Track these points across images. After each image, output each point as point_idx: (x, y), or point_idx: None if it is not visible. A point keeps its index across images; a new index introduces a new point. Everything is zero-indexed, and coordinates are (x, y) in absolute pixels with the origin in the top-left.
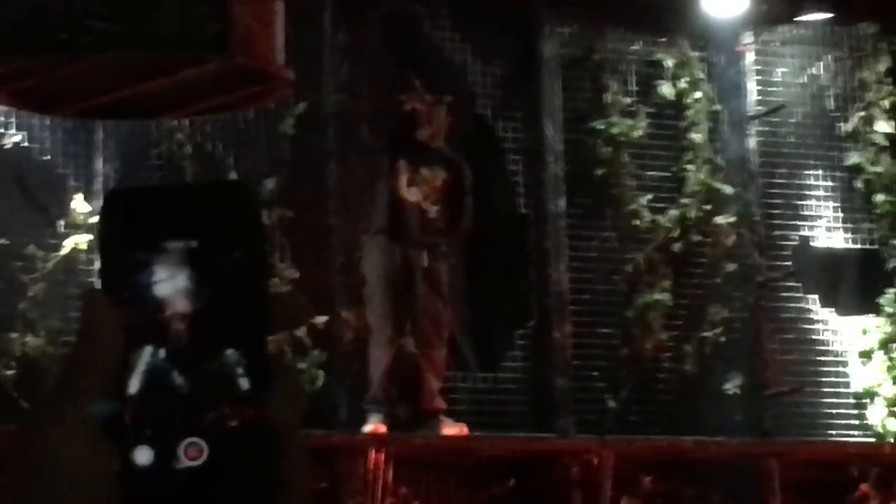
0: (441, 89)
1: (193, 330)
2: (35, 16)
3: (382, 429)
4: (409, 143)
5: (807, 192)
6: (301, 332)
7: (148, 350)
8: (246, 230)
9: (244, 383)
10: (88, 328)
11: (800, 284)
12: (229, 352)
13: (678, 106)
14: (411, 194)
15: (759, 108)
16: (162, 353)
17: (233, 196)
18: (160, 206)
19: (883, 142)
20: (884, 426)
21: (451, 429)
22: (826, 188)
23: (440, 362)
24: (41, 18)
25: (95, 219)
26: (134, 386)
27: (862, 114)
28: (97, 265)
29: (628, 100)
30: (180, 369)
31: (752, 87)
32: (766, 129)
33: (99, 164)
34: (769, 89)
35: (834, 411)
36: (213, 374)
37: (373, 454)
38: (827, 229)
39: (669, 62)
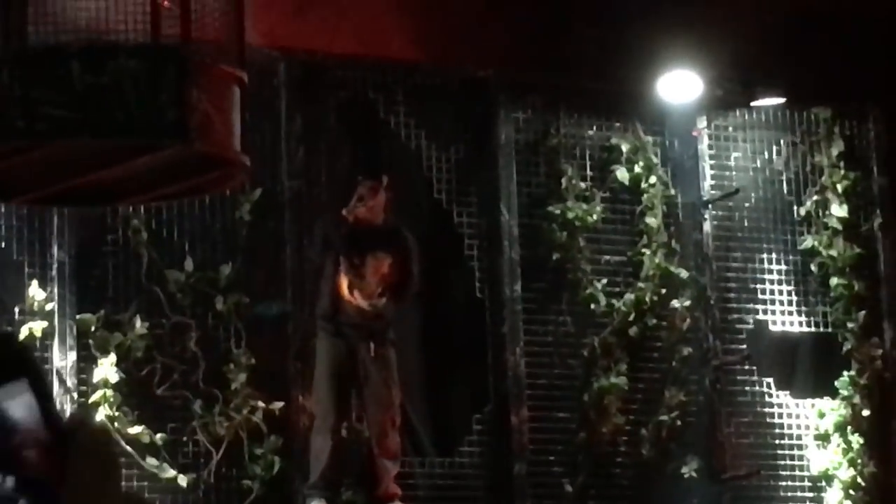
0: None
1: None
2: None
3: None
4: (351, 236)
5: (762, 276)
6: (257, 417)
7: None
8: (19, 376)
9: None
10: None
11: (756, 368)
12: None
13: (634, 190)
14: (354, 297)
15: (714, 192)
16: None
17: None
18: None
19: (837, 225)
20: None
21: None
22: (781, 272)
23: (394, 448)
24: None
25: (51, 305)
26: None
27: (816, 198)
28: (53, 351)
29: (584, 184)
30: None
31: (706, 172)
32: (721, 213)
33: (55, 251)
34: (724, 173)
35: (791, 494)
36: None
37: None
38: (782, 313)
39: (625, 147)
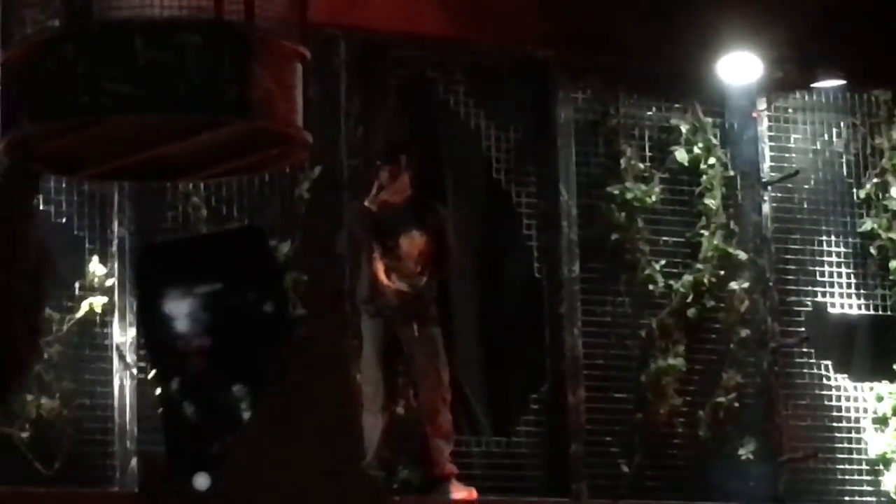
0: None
1: (208, 365)
2: (55, 79)
3: None
4: (380, 221)
5: (821, 258)
6: None
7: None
8: (258, 270)
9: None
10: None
11: (814, 350)
12: (237, 387)
13: (692, 171)
14: (392, 281)
15: (774, 174)
16: (175, 384)
17: (247, 240)
18: (185, 256)
19: None
20: None
21: (460, 493)
22: (840, 254)
23: (447, 427)
24: (62, 82)
25: (111, 281)
26: None
27: (876, 180)
28: (113, 327)
29: (643, 165)
30: (191, 400)
31: (766, 153)
32: (781, 195)
33: (115, 227)
34: (783, 155)
35: (848, 478)
36: (220, 406)
37: None
38: (841, 295)
39: (684, 128)
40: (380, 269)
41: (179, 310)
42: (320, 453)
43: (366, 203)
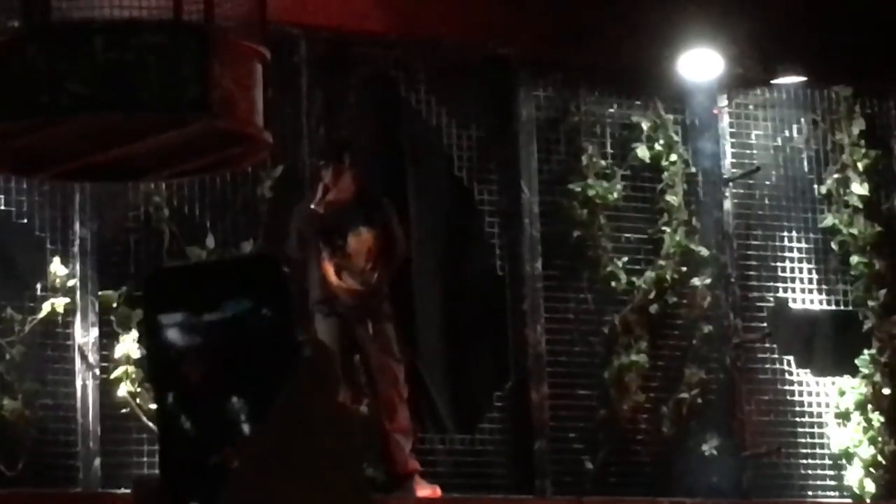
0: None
1: (206, 379)
2: (16, 80)
3: None
4: (327, 222)
5: (782, 254)
6: None
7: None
8: (270, 296)
9: (246, 429)
10: None
11: (776, 346)
12: (234, 399)
13: (654, 168)
14: (343, 280)
15: (735, 170)
16: (171, 397)
17: (260, 269)
18: (195, 281)
19: (858, 203)
20: (861, 487)
21: (424, 490)
22: (802, 250)
23: (405, 422)
24: (22, 82)
25: (73, 281)
26: None
27: (837, 176)
28: (75, 328)
29: (604, 162)
30: (188, 413)
31: (727, 150)
32: (742, 191)
33: (76, 227)
34: (744, 151)
35: (811, 472)
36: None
37: None
38: (803, 291)
39: (645, 125)
40: (329, 269)
41: (185, 333)
42: (324, 476)
43: (312, 206)
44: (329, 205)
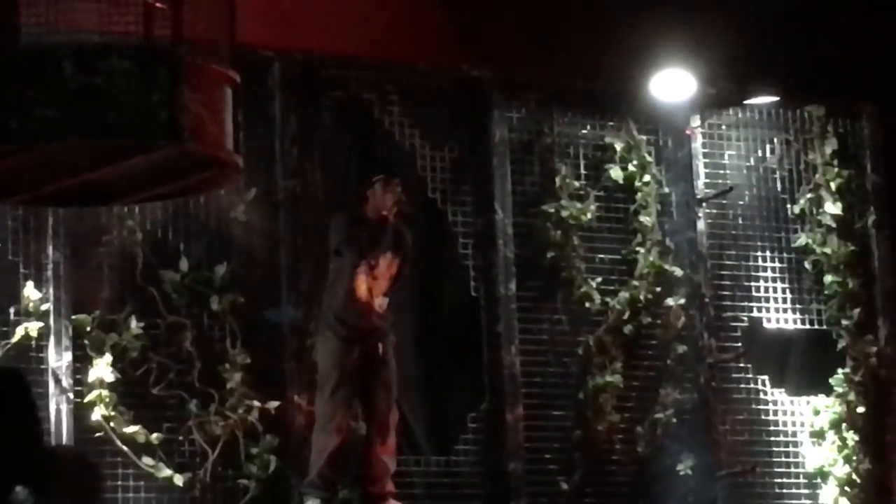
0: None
1: None
2: None
3: None
4: (369, 235)
5: (756, 274)
6: (253, 417)
7: None
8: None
9: None
10: None
11: (750, 365)
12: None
13: (627, 189)
14: (372, 299)
15: (708, 190)
16: None
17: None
18: None
19: (831, 223)
20: None
21: None
22: (775, 269)
23: (393, 445)
24: None
25: (47, 306)
26: None
27: (810, 195)
28: (49, 352)
29: (578, 183)
30: None
31: (700, 170)
32: (715, 211)
33: (50, 251)
34: (718, 171)
35: (786, 491)
36: None
37: None
38: (777, 310)
39: (618, 146)
40: (363, 284)
41: None
42: None
43: (384, 213)
44: (371, 221)
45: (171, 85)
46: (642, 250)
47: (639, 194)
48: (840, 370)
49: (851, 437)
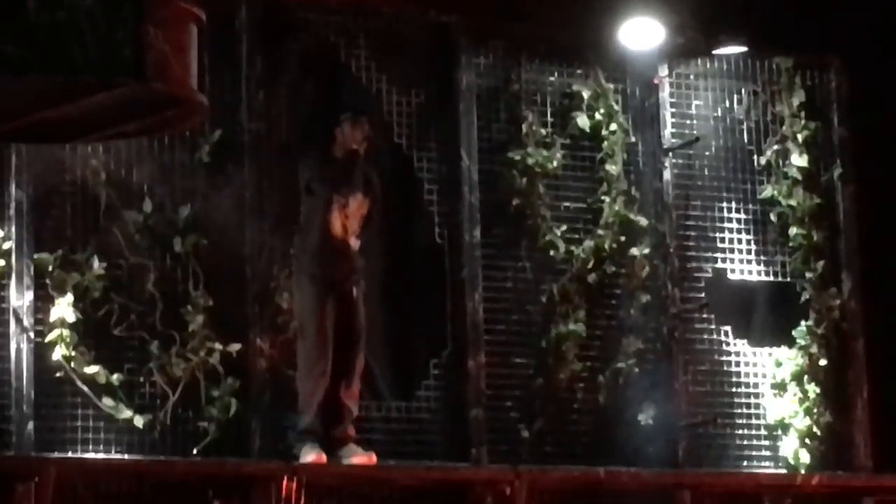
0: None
1: None
2: None
3: (323, 458)
4: (339, 173)
5: (721, 225)
6: (214, 359)
7: None
8: None
9: None
10: None
11: (714, 316)
12: None
13: (594, 137)
14: (341, 231)
15: (675, 140)
16: None
17: None
18: None
19: (797, 175)
20: (796, 458)
21: (359, 457)
22: (740, 220)
23: (357, 391)
24: None
25: (9, 244)
26: None
27: (776, 147)
28: (10, 291)
29: (544, 131)
30: None
31: (667, 120)
32: (681, 161)
33: (12, 190)
34: (684, 122)
35: (747, 443)
36: None
37: (286, 482)
38: (741, 261)
39: (585, 94)
40: (337, 221)
41: None
42: None
43: (354, 146)
44: (339, 160)
45: (136, 22)
46: (608, 199)
47: (605, 143)
48: (803, 322)
49: (813, 390)
